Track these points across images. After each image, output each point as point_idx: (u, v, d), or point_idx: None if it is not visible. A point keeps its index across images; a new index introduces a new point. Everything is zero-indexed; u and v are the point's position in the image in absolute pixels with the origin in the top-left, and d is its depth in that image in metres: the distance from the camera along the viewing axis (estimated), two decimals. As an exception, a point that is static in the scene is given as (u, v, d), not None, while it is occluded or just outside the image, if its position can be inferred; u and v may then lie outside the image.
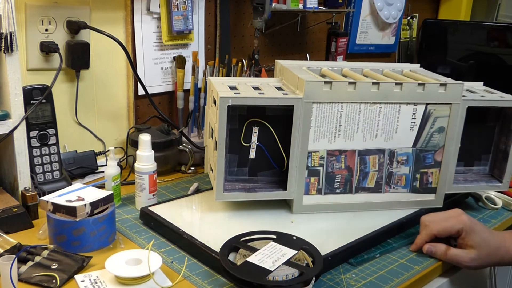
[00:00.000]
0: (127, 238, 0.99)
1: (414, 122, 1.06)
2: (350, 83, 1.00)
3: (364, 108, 1.03)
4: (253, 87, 1.05)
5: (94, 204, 0.93)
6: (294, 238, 0.90)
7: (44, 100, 1.11)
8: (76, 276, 0.84)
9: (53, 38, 1.21)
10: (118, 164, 1.12)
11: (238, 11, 1.59)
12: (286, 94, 1.01)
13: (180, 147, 1.34)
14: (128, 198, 1.16)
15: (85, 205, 0.91)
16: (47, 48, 1.19)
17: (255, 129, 1.04)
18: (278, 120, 1.04)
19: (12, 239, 0.92)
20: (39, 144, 1.12)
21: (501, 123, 1.15)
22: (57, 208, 0.91)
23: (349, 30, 1.96)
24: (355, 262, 0.93)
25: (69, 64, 1.23)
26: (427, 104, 1.05)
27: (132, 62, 1.33)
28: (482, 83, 1.21)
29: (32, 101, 1.08)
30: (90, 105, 1.32)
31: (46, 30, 1.19)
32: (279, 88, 1.06)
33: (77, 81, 1.26)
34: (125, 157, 1.35)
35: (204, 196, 1.15)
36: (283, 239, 0.90)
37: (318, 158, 1.03)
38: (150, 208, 1.05)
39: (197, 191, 1.21)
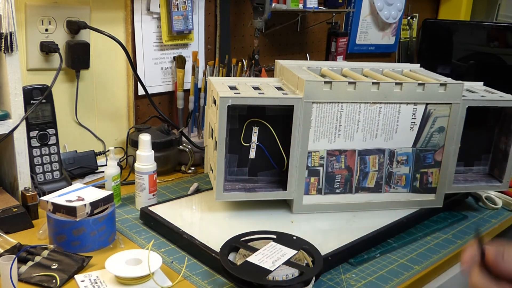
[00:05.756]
0: (127, 238, 0.99)
1: (414, 122, 1.06)
2: (350, 83, 1.00)
3: (364, 108, 1.02)
4: (253, 87, 1.05)
5: (94, 204, 0.93)
6: (294, 238, 0.90)
7: (44, 100, 1.11)
8: (76, 276, 0.84)
9: (53, 38, 1.21)
10: (118, 164, 1.12)
11: (238, 11, 1.59)
12: (286, 94, 1.01)
13: (180, 147, 1.34)
14: (128, 198, 1.16)
15: (85, 205, 0.91)
16: (47, 48, 1.19)
17: (255, 129, 1.04)
18: (278, 120, 1.04)
19: (12, 239, 0.92)
20: (39, 144, 1.12)
21: (501, 123, 1.15)
22: (57, 208, 0.91)
23: (349, 30, 1.96)
24: (355, 262, 0.93)
25: (69, 64, 1.23)
26: (427, 104, 1.05)
27: (132, 62, 1.32)
28: (482, 83, 1.21)
29: (32, 101, 1.08)
30: (90, 105, 1.32)
31: (46, 30, 1.19)
32: (279, 88, 1.06)
33: (77, 81, 1.26)
34: (125, 157, 1.35)
35: (204, 196, 1.15)
36: (283, 239, 0.90)
37: (318, 158, 1.03)
38: (150, 208, 1.05)
39: (197, 191, 1.21)
